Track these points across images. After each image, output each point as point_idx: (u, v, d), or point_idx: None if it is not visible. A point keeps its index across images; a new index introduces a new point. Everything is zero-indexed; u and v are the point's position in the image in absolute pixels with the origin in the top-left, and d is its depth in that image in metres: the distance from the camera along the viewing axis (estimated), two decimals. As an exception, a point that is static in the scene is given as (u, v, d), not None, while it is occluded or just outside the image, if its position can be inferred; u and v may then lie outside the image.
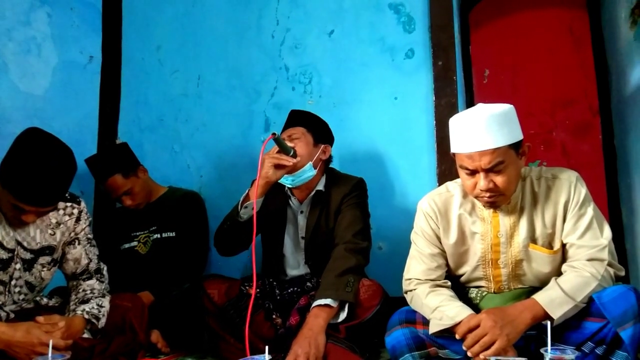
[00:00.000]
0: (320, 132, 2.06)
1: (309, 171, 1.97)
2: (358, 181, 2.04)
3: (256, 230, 1.82)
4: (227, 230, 1.96)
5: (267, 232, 2.10)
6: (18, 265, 1.66)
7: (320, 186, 2.03)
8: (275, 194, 2.05)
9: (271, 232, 2.08)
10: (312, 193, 2.02)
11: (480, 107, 1.47)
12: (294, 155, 1.89)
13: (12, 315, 1.63)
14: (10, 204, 1.52)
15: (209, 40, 2.75)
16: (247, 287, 1.94)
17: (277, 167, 1.87)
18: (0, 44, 2.27)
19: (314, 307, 1.73)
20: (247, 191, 1.94)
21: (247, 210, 1.89)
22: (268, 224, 2.06)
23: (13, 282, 1.66)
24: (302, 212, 2.06)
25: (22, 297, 1.70)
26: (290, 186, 2.01)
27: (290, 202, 2.08)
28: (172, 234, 2.33)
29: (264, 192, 1.89)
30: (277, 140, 1.84)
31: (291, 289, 1.98)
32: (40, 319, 1.54)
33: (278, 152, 1.87)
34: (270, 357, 1.25)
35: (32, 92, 2.41)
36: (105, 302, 1.77)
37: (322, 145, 2.05)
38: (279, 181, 1.95)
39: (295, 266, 2.06)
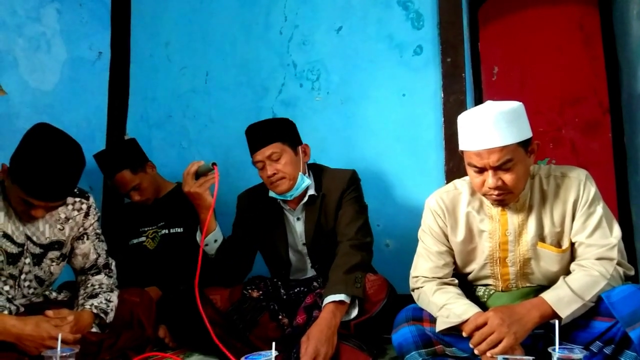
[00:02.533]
0: (292, 136, 1.99)
1: (303, 181, 1.95)
2: (352, 174, 2.01)
3: (255, 247, 1.96)
4: (216, 269, 1.98)
5: (268, 245, 2.07)
6: (28, 260, 1.67)
7: (312, 189, 1.99)
8: (267, 207, 2.04)
9: (272, 245, 2.06)
10: (306, 198, 1.98)
11: (489, 104, 1.46)
12: (211, 168, 1.88)
13: (21, 309, 1.65)
14: (20, 198, 1.54)
15: (217, 37, 2.75)
16: (250, 290, 1.95)
17: (206, 190, 1.90)
18: (10, 40, 2.28)
19: (328, 303, 1.71)
20: (199, 231, 1.94)
21: (210, 247, 1.94)
22: (267, 238, 2.06)
23: (23, 276, 1.68)
24: (298, 218, 2.03)
25: (31, 291, 1.71)
26: (289, 199, 1.98)
27: (285, 211, 2.05)
28: (180, 230, 2.34)
29: (214, 220, 1.94)
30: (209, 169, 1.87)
31: (297, 289, 1.98)
32: (50, 313, 1.56)
33: (202, 177, 1.87)
34: (277, 353, 1.26)
35: (42, 88, 2.43)
36: (114, 296, 1.78)
37: (300, 148, 2.00)
38: (277, 197, 1.96)
39: (304, 272, 2.06)
